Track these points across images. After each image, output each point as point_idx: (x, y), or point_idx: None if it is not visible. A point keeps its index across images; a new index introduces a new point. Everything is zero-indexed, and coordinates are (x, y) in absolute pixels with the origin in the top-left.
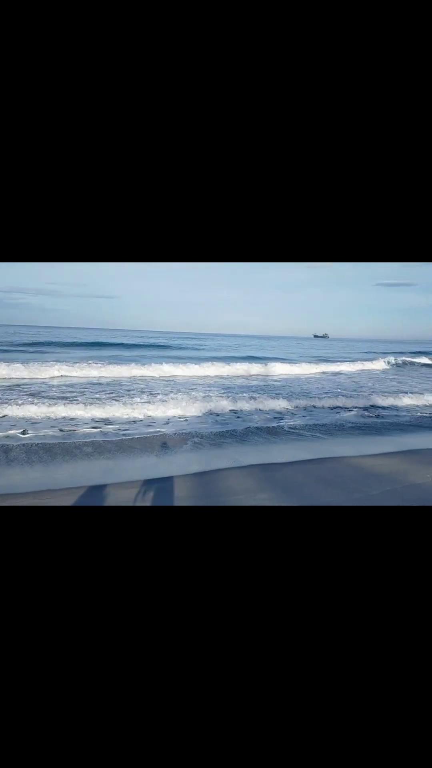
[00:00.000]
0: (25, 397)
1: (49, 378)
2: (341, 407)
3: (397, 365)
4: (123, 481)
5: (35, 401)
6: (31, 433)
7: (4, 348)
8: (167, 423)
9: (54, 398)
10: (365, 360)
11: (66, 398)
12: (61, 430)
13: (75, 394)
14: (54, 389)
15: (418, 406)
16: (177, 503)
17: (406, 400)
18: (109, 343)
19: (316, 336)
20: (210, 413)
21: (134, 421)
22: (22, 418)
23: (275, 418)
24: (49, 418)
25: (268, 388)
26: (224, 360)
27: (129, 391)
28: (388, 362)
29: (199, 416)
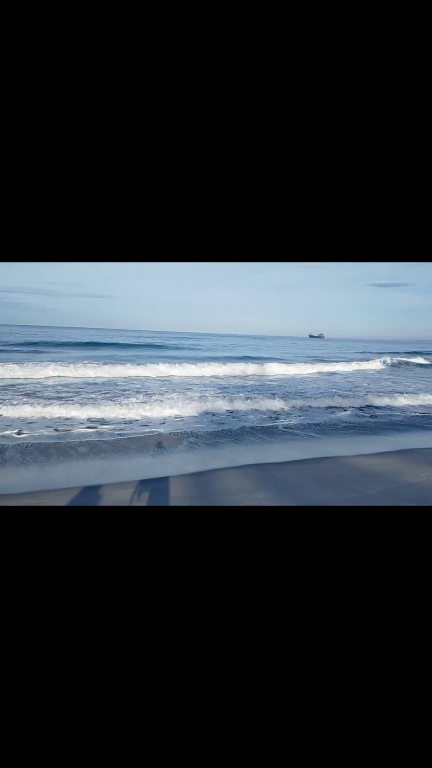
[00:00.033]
0: (20, 397)
1: (44, 378)
2: (337, 407)
3: (393, 365)
4: (119, 482)
5: (30, 401)
6: (26, 434)
7: None
8: (163, 423)
9: (49, 398)
10: (361, 360)
11: (61, 398)
12: (57, 431)
13: (70, 394)
14: (49, 389)
15: (412, 406)
16: (173, 503)
17: (402, 400)
18: (105, 342)
19: (311, 336)
20: (206, 413)
21: (130, 421)
22: (18, 419)
23: (271, 417)
24: (44, 418)
25: (264, 388)
26: (220, 360)
27: (125, 391)
28: (384, 362)
29: (194, 416)
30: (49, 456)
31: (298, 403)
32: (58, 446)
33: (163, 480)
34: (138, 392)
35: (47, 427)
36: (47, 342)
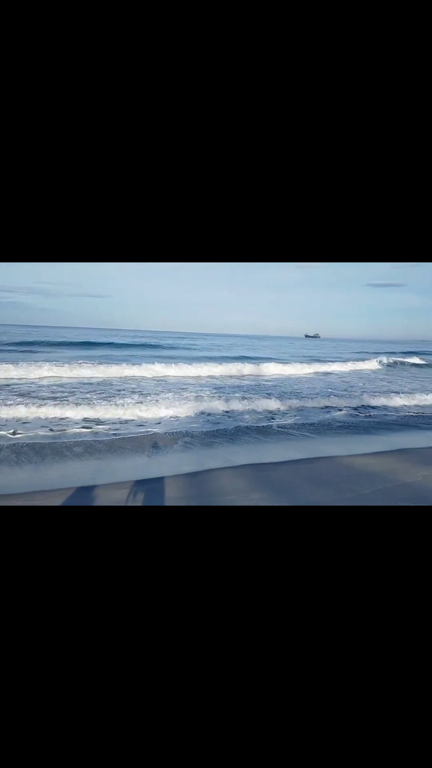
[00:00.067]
0: (15, 397)
1: (39, 378)
2: (332, 407)
3: (389, 365)
4: (114, 482)
5: (25, 401)
6: (21, 434)
7: None
8: (159, 423)
9: (44, 398)
10: (357, 360)
11: (56, 398)
12: (52, 431)
13: (65, 394)
14: (44, 389)
15: (407, 406)
16: (169, 504)
17: (397, 400)
18: (100, 342)
19: (307, 336)
20: (202, 413)
21: (125, 422)
22: (12, 419)
23: (267, 417)
24: (39, 418)
25: (260, 388)
26: (216, 360)
27: (120, 391)
28: (380, 362)
29: (190, 416)
30: (45, 456)
31: (295, 403)
32: (54, 446)
33: (159, 480)
34: (134, 392)
35: (42, 427)
36: (42, 342)
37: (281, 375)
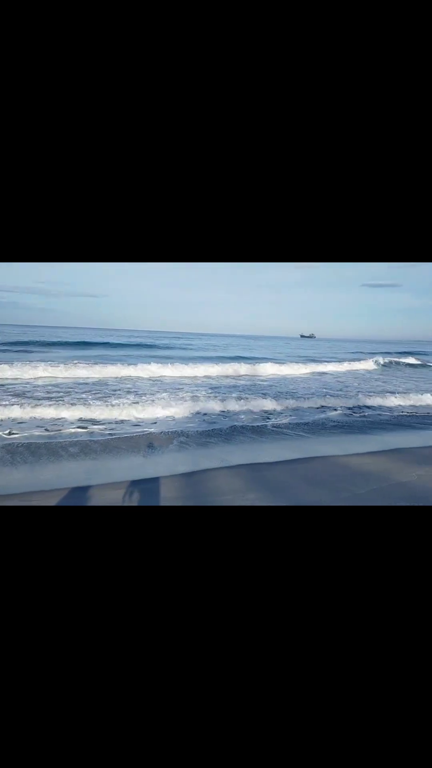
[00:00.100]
0: (10, 397)
1: (34, 378)
2: (328, 407)
3: (384, 365)
4: (110, 482)
5: (20, 401)
6: (17, 434)
7: None
8: (155, 423)
9: (39, 398)
10: (352, 360)
11: (52, 398)
12: (47, 431)
13: (61, 394)
14: (39, 389)
15: (402, 406)
16: (165, 504)
17: (392, 400)
18: (96, 342)
19: (302, 336)
20: (198, 413)
21: (121, 422)
22: (8, 419)
23: (263, 417)
24: (34, 418)
25: (257, 388)
26: (212, 360)
27: (116, 391)
28: (376, 362)
29: (186, 416)
30: (40, 456)
31: (291, 403)
32: (49, 446)
33: (155, 480)
34: (129, 392)
35: (38, 427)
36: (37, 341)
37: (277, 375)
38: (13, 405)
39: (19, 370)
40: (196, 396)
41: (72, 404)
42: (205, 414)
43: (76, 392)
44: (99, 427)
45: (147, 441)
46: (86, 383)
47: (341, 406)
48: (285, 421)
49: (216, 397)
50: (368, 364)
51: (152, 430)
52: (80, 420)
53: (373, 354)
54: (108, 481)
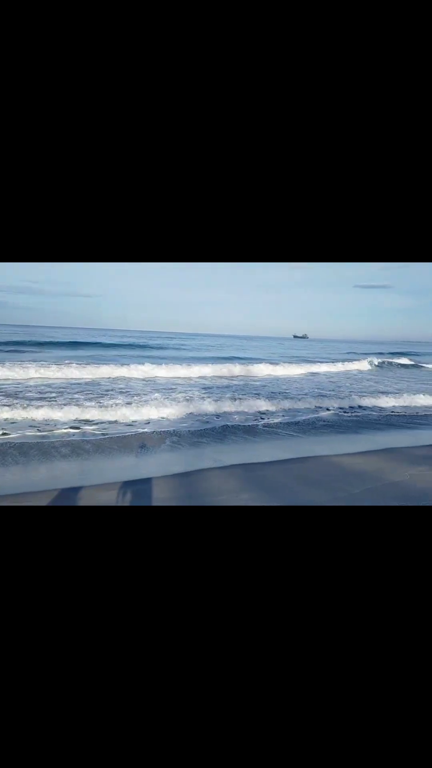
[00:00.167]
0: (2, 397)
1: (27, 378)
2: (321, 407)
3: (378, 366)
4: (103, 483)
5: (13, 402)
6: (9, 435)
7: None
8: (148, 423)
9: (32, 399)
10: (346, 360)
11: (44, 399)
12: (40, 431)
13: (54, 394)
14: (32, 390)
15: (394, 406)
16: (159, 504)
17: (384, 400)
18: (89, 342)
19: (295, 336)
20: (192, 414)
21: (114, 422)
22: (0, 419)
23: (256, 417)
24: (27, 418)
25: (250, 388)
26: (206, 360)
27: (109, 391)
28: (370, 362)
29: (180, 417)
30: (32, 457)
31: (285, 404)
32: (42, 447)
33: (148, 481)
34: (122, 393)
35: (30, 427)
36: (29, 341)
37: (271, 375)
38: (4, 405)
39: (11, 371)
40: (190, 397)
41: (65, 404)
42: (199, 415)
43: (69, 392)
44: (92, 427)
45: (140, 441)
46: (79, 383)
47: (334, 407)
48: (278, 420)
49: (210, 397)
50: (361, 365)
51: (145, 430)
52: (73, 420)
53: (366, 354)
54: (101, 482)
